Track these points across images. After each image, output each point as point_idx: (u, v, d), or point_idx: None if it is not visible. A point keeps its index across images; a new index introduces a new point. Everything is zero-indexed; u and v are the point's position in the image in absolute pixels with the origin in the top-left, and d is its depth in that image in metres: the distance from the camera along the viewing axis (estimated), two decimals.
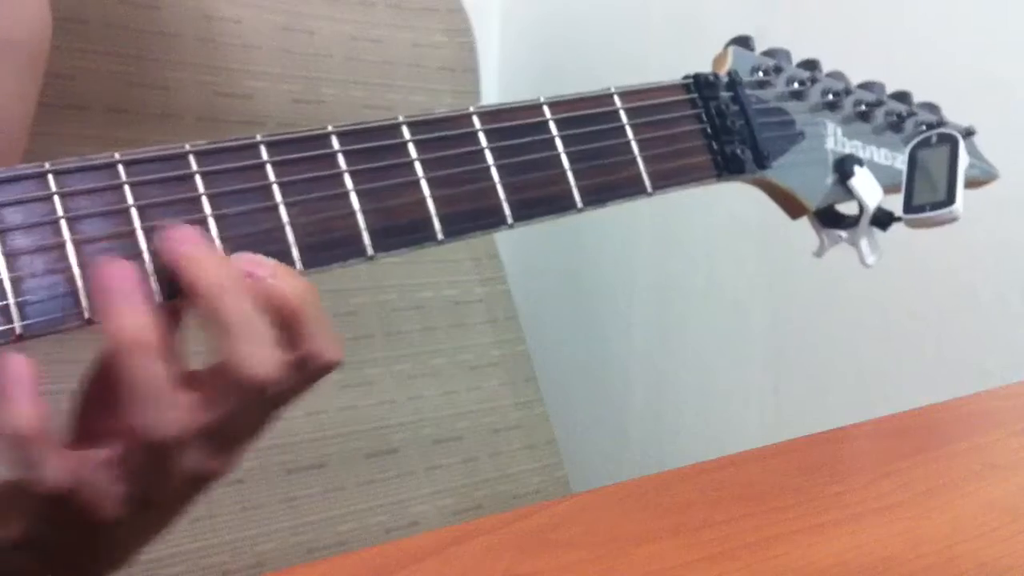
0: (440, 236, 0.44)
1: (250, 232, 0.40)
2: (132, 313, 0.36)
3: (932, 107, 0.64)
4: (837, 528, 0.46)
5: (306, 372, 0.40)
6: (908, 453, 0.57)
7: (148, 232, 0.39)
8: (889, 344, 1.04)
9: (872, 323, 1.05)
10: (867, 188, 0.58)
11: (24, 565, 0.44)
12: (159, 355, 0.36)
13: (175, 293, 0.38)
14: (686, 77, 0.54)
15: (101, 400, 0.41)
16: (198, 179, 0.40)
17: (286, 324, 0.39)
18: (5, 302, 0.36)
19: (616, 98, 0.51)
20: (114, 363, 0.36)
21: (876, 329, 1.05)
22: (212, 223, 0.40)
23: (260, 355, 0.38)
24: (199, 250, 0.38)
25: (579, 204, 0.48)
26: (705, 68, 0.56)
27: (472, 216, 0.45)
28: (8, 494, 0.39)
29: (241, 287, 0.38)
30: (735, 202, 1.13)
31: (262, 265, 0.39)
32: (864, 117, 0.60)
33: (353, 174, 0.43)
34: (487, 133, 0.46)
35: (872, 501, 0.50)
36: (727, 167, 0.53)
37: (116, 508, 0.39)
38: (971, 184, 0.61)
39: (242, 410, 0.39)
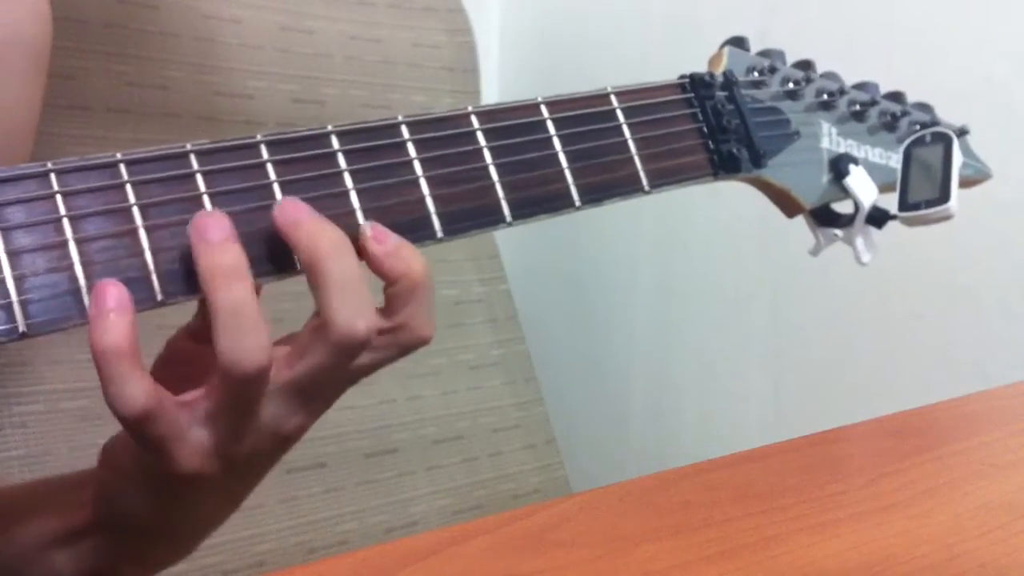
0: (439, 234, 0.44)
1: (250, 231, 0.40)
2: (229, 249, 0.38)
3: (926, 107, 0.64)
4: (837, 528, 0.46)
5: (398, 342, 0.42)
6: (908, 453, 0.57)
7: (149, 231, 0.39)
8: (889, 344, 1.04)
9: (872, 323, 1.05)
10: (862, 186, 0.58)
11: (103, 553, 0.45)
12: (249, 287, 0.38)
13: (280, 270, 0.40)
14: (682, 77, 0.54)
15: (184, 365, 0.43)
16: (199, 178, 0.40)
17: (397, 294, 0.41)
18: (8, 300, 0.36)
19: (613, 97, 0.51)
20: (207, 294, 0.38)
21: (876, 329, 1.05)
22: None
23: (358, 309, 0.39)
24: (302, 215, 0.40)
25: (577, 202, 0.48)
26: (704, 69, 0.56)
27: (471, 214, 0.45)
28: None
29: (343, 247, 0.40)
30: (735, 202, 1.13)
31: (389, 237, 0.42)
32: (858, 117, 0.61)
33: (353, 173, 0.43)
34: (485, 132, 0.46)
35: (872, 501, 0.50)
36: (723, 166, 0.53)
37: (195, 457, 0.40)
38: (965, 183, 0.61)
39: (331, 367, 0.40)
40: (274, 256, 0.41)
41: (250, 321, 0.38)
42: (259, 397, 0.39)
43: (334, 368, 0.40)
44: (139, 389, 0.37)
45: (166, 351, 0.46)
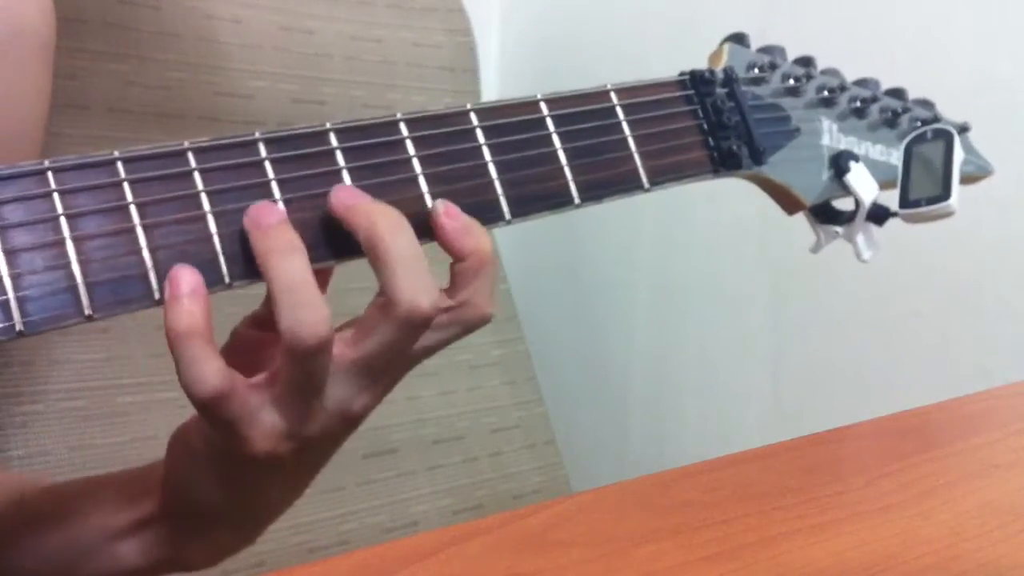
0: None
1: None
2: (283, 230, 0.40)
3: (927, 103, 0.64)
4: (837, 528, 0.46)
5: (462, 320, 0.43)
6: (908, 453, 0.57)
7: (147, 229, 0.39)
8: (889, 344, 1.04)
9: (872, 322, 1.05)
10: (863, 183, 0.58)
11: (168, 542, 0.46)
12: (305, 262, 0.39)
13: (340, 255, 0.41)
14: (682, 74, 0.54)
15: (249, 353, 0.44)
16: (197, 176, 0.40)
17: (464, 271, 0.42)
18: (5, 298, 0.36)
19: (612, 94, 0.50)
20: (265, 274, 0.39)
21: (876, 329, 1.05)
22: (211, 220, 0.40)
23: (421, 286, 0.40)
24: (359, 199, 0.41)
25: (576, 200, 0.48)
26: (705, 67, 0.56)
27: (469, 212, 0.44)
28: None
29: (402, 225, 0.41)
30: (735, 202, 1.13)
31: (460, 214, 0.43)
32: (859, 113, 0.60)
33: (351, 171, 0.43)
34: (484, 130, 0.46)
35: (872, 501, 0.50)
36: (723, 163, 0.53)
37: (269, 439, 0.40)
38: (966, 180, 0.61)
39: (396, 344, 0.41)
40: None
41: (308, 295, 0.39)
42: (325, 374, 0.40)
43: (399, 345, 0.41)
44: (213, 370, 0.38)
45: (231, 340, 0.46)
